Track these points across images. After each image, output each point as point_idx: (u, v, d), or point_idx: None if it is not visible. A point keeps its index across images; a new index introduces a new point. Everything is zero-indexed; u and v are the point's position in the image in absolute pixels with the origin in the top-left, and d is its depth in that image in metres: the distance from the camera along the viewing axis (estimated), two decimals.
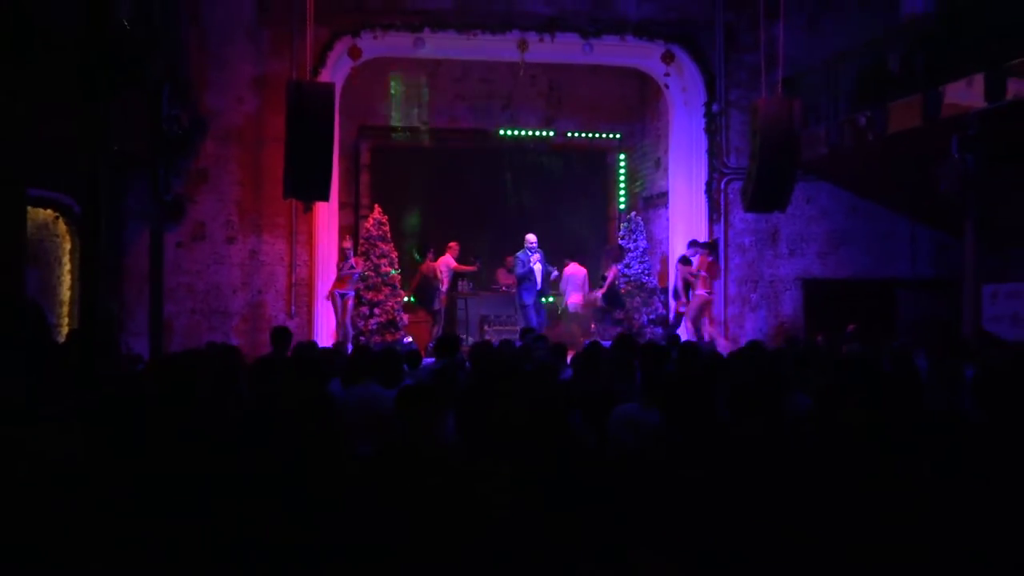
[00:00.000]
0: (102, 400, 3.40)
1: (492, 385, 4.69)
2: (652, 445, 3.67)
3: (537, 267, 13.24)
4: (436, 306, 14.30)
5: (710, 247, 13.34)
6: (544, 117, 16.47)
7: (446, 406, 4.02)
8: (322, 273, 13.16)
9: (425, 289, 14.13)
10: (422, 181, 15.98)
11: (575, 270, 14.44)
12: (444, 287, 14.24)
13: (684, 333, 13.22)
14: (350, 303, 13.04)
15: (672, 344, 9.42)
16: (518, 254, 13.36)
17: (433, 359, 7.36)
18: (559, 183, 16.43)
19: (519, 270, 13.27)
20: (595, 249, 15.81)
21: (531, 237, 13.34)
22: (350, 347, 11.48)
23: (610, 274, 14.31)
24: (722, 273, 13.58)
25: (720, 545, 2.78)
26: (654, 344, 8.20)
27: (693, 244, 13.36)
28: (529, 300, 13.21)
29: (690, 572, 2.72)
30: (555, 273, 13.63)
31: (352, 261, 12.99)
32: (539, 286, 13.21)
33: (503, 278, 14.72)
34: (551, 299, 14.41)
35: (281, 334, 8.10)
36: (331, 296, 12.96)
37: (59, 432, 3.39)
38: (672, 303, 14.02)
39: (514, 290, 14.02)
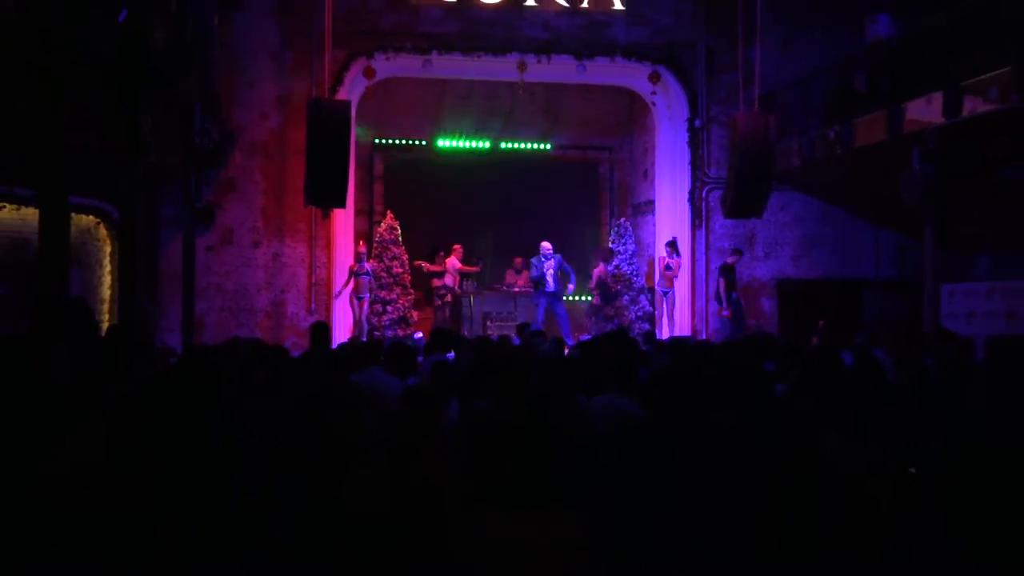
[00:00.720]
0: (136, 393, 3.35)
1: (493, 377, 4.66)
2: (631, 435, 3.60)
3: (550, 272, 13.19)
4: (436, 302, 14.34)
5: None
6: (541, 131, 16.47)
7: (444, 401, 3.99)
8: (339, 274, 13.17)
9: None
10: (430, 189, 15.95)
11: None
12: (452, 286, 14.29)
13: (667, 330, 13.22)
14: (366, 304, 13.12)
15: (649, 340, 9.39)
16: (532, 259, 13.32)
17: (452, 353, 7.28)
18: (555, 191, 16.40)
19: (533, 274, 13.28)
20: (589, 252, 15.83)
21: (545, 245, 13.24)
22: (364, 340, 11.50)
23: (596, 272, 14.44)
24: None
25: (698, 531, 2.74)
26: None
27: (671, 245, 13.45)
28: (537, 300, 13.21)
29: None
30: (571, 287, 13.54)
31: (367, 265, 13.02)
32: (551, 288, 13.15)
33: (510, 277, 14.74)
34: None
35: (321, 328, 7.69)
36: (350, 299, 13.02)
37: (104, 422, 3.36)
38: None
39: (516, 289, 14.09)
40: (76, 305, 5.89)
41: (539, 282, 13.12)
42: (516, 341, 9.03)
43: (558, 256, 13.24)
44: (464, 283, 14.42)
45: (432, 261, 14.40)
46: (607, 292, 14.39)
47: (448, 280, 14.26)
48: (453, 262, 14.33)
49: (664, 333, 12.93)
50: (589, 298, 14.84)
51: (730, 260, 13.04)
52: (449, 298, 14.25)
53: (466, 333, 13.04)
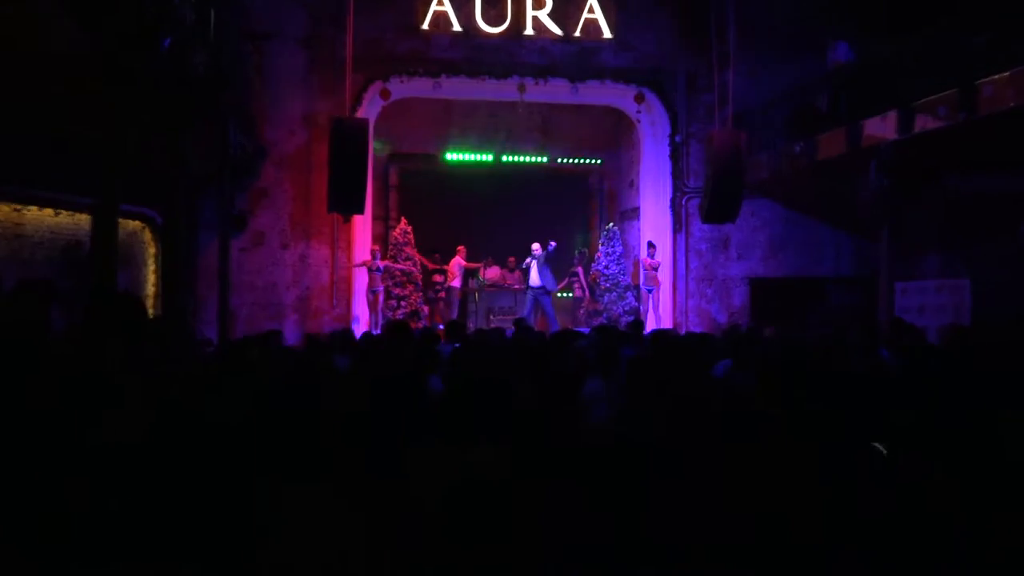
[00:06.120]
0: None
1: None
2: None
3: (533, 269, 13.24)
4: (430, 294, 14.25)
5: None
6: (539, 146, 16.39)
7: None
8: (359, 273, 13.12)
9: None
10: (440, 197, 15.88)
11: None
12: (457, 283, 14.24)
13: (651, 324, 13.16)
14: (381, 297, 13.05)
15: (637, 330, 9.32)
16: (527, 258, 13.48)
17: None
18: (550, 199, 16.33)
19: (520, 267, 13.53)
20: (580, 254, 15.78)
21: (535, 246, 13.37)
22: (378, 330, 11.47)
23: (580, 272, 14.65)
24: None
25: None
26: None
27: (651, 246, 13.53)
28: (527, 294, 13.32)
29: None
30: (551, 285, 13.54)
31: (379, 262, 12.97)
32: (535, 284, 13.21)
33: (506, 277, 14.69)
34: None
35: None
36: (367, 293, 12.94)
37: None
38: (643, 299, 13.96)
39: (517, 286, 14.11)
40: (127, 300, 5.82)
41: (524, 274, 13.36)
42: (509, 332, 8.97)
43: (542, 256, 13.27)
44: (469, 280, 14.39)
45: (430, 260, 14.36)
46: (593, 289, 14.54)
47: (455, 279, 14.21)
48: (459, 261, 14.27)
49: (650, 326, 12.87)
50: (570, 294, 14.91)
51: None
52: (443, 293, 14.23)
53: (471, 325, 13.02)
